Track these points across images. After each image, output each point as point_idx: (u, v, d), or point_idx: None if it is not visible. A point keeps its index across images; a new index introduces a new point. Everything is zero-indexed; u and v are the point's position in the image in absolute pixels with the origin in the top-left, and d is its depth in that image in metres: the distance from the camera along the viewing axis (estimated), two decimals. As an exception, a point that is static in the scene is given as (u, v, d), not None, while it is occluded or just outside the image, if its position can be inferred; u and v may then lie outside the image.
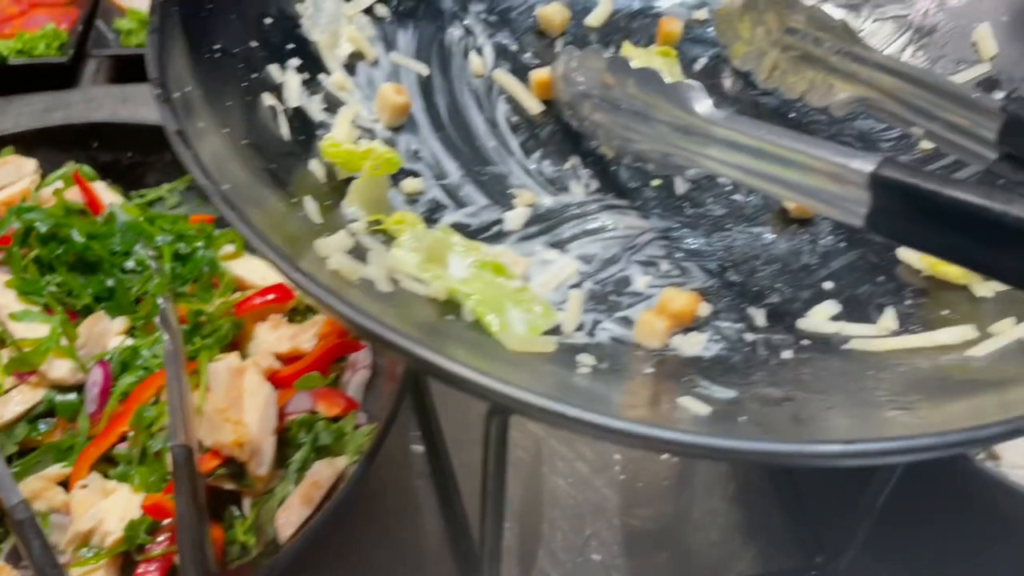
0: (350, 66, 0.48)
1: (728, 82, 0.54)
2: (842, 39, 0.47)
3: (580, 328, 0.40)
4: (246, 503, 0.55)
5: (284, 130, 0.42)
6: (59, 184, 0.71)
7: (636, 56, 0.53)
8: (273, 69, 0.44)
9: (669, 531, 0.63)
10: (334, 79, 0.46)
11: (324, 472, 0.53)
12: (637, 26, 0.56)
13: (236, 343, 0.62)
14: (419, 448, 0.64)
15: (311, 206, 0.38)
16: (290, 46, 0.46)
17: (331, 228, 0.38)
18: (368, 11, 0.51)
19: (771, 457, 0.27)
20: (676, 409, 0.34)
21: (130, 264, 0.66)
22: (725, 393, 0.36)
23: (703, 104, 0.41)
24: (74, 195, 0.70)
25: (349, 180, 0.42)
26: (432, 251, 0.39)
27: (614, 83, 0.45)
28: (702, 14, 0.56)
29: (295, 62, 0.45)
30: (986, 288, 0.41)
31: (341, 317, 0.28)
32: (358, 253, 0.38)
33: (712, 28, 0.55)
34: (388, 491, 0.60)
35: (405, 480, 0.62)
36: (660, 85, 0.42)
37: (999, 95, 0.49)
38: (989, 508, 0.53)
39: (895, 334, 0.40)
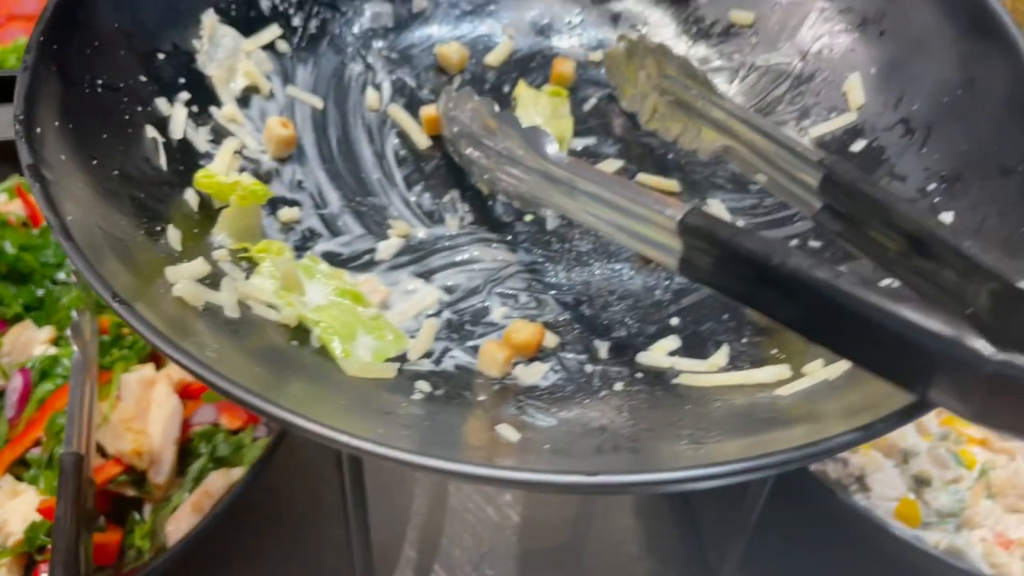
0: (244, 99, 0.51)
1: (617, 122, 0.56)
2: (705, 88, 0.49)
3: (429, 355, 0.42)
4: (147, 509, 0.58)
5: (162, 161, 0.44)
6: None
7: (529, 95, 0.56)
8: (161, 102, 0.47)
9: (564, 550, 0.65)
10: (224, 111, 0.49)
11: (217, 482, 0.56)
12: (534, 65, 0.59)
13: (156, 356, 0.65)
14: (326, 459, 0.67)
15: (173, 235, 0.41)
16: (182, 80, 0.48)
17: (192, 256, 0.41)
18: (269, 46, 0.53)
19: (523, 485, 0.29)
20: (489, 436, 0.36)
21: (61, 276, 0.69)
22: (546, 421, 0.39)
23: (551, 148, 0.43)
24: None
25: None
26: (288, 279, 0.41)
27: (484, 123, 0.47)
28: (597, 56, 0.59)
29: (185, 96, 0.48)
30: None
31: (150, 343, 0.31)
32: (215, 280, 0.40)
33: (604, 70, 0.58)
34: (285, 501, 0.62)
35: (306, 491, 0.64)
36: (518, 128, 0.45)
37: (861, 143, 0.51)
38: (855, 538, 0.55)
39: (722, 371, 0.42)
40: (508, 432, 0.36)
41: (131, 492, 0.57)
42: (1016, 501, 0.56)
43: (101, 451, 0.58)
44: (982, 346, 0.28)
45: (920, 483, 0.57)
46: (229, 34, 0.51)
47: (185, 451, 0.59)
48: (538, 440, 0.36)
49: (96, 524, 0.56)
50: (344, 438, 0.29)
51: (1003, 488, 0.56)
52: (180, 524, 0.53)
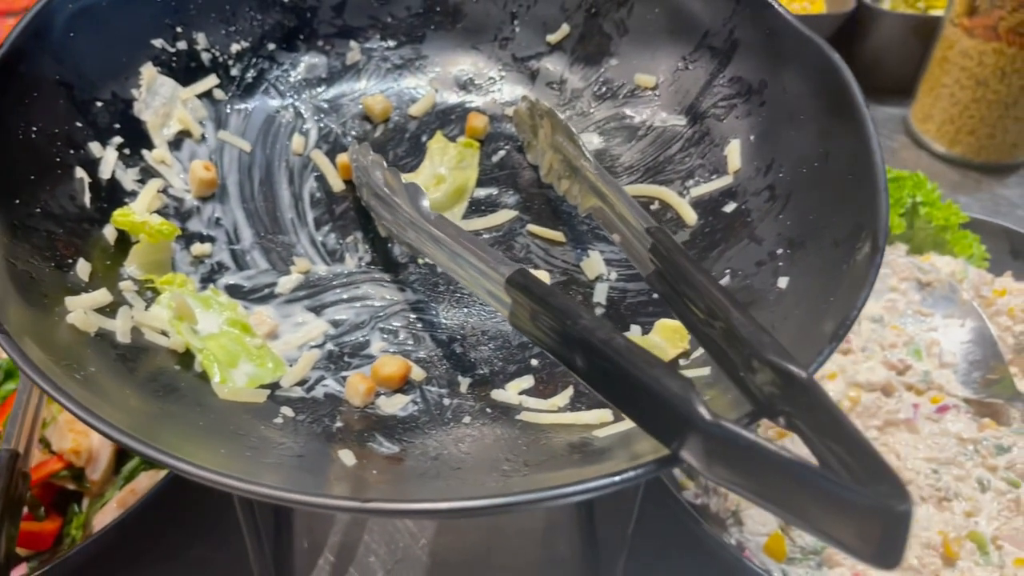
0: (177, 143, 0.57)
1: (521, 174, 0.62)
2: (579, 152, 0.54)
3: (302, 383, 0.48)
4: (85, 502, 0.64)
5: (87, 199, 0.51)
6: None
7: (439, 145, 0.61)
8: (94, 146, 0.53)
9: (475, 562, 0.70)
10: (155, 154, 0.55)
11: (144, 481, 0.62)
12: (453, 118, 0.64)
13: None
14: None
15: (83, 267, 0.47)
16: (117, 125, 0.55)
17: (99, 287, 0.47)
18: (206, 94, 0.60)
19: (320, 507, 0.34)
20: (329, 459, 0.42)
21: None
22: (389, 449, 0.44)
23: (423, 204, 0.49)
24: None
25: (140, 243, 0.51)
26: (181, 309, 0.47)
27: (376, 175, 0.53)
28: (512, 111, 0.64)
29: (118, 140, 0.54)
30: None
31: (24, 373, 0.37)
32: (115, 308, 0.46)
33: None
34: (208, 502, 0.68)
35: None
36: (400, 183, 0.50)
37: (732, 205, 0.56)
38: (723, 569, 0.59)
39: (560, 410, 0.47)
40: (346, 456, 0.42)
41: (71, 486, 0.64)
42: (876, 543, 0.60)
43: (48, 447, 0.64)
44: (702, 410, 0.33)
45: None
46: (167, 83, 0.58)
47: (124, 452, 0.66)
48: (371, 466, 0.42)
49: (37, 513, 0.62)
50: (163, 457, 0.34)
51: (864, 531, 0.60)
52: (105, 518, 0.59)
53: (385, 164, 0.52)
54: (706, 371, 0.45)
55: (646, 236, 0.46)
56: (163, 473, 0.63)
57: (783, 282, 0.49)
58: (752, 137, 0.57)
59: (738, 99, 0.59)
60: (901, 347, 0.76)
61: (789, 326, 0.45)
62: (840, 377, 0.72)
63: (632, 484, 0.36)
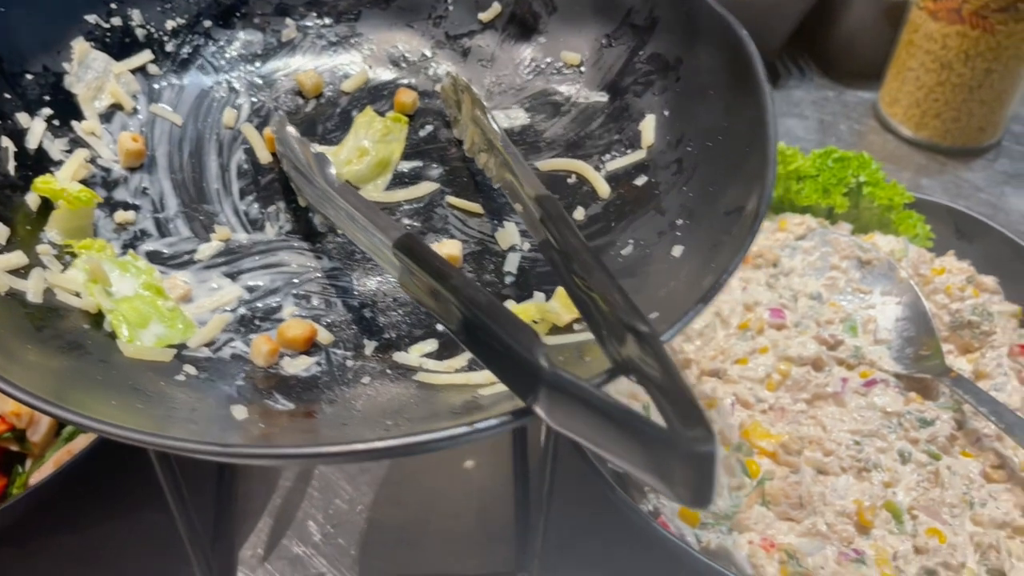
0: (108, 115, 0.59)
1: (446, 149, 0.63)
2: (489, 127, 0.56)
3: (210, 345, 0.50)
4: (29, 463, 0.67)
5: (11, 167, 0.53)
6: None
7: (366, 119, 0.63)
8: (22, 116, 0.55)
9: (411, 527, 0.72)
10: (84, 125, 0.58)
11: (80, 443, 0.64)
12: (385, 93, 0.66)
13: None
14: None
15: (1, 231, 0.49)
16: (47, 97, 0.57)
17: (16, 249, 0.49)
18: (140, 68, 0.62)
19: (199, 451, 0.36)
20: (220, 414, 0.44)
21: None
22: (284, 406, 0.46)
23: (329, 172, 0.51)
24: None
25: (64, 210, 0.53)
26: (95, 272, 0.49)
27: (295, 147, 0.55)
28: (439, 87, 0.66)
29: (47, 111, 0.56)
30: (559, 339, 0.50)
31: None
32: (29, 271, 0.48)
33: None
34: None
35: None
36: (306, 152, 0.52)
37: (643, 179, 0.58)
38: (636, 533, 0.61)
39: (457, 372, 0.49)
40: (237, 411, 0.44)
41: (14, 448, 0.66)
42: (788, 510, 0.62)
43: (-5, 410, 0.67)
44: (543, 362, 0.35)
45: (704, 488, 0.63)
46: (100, 58, 0.60)
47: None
48: (259, 420, 0.44)
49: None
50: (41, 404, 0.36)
51: (776, 497, 0.62)
52: (40, 478, 0.62)
53: (299, 135, 0.54)
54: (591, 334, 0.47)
55: (538, 205, 0.47)
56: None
57: (677, 251, 0.51)
58: (666, 112, 0.59)
59: (656, 76, 0.60)
60: (838, 323, 0.77)
61: (672, 291, 0.46)
62: (771, 351, 0.73)
63: (486, 435, 0.37)
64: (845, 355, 0.74)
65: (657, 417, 0.33)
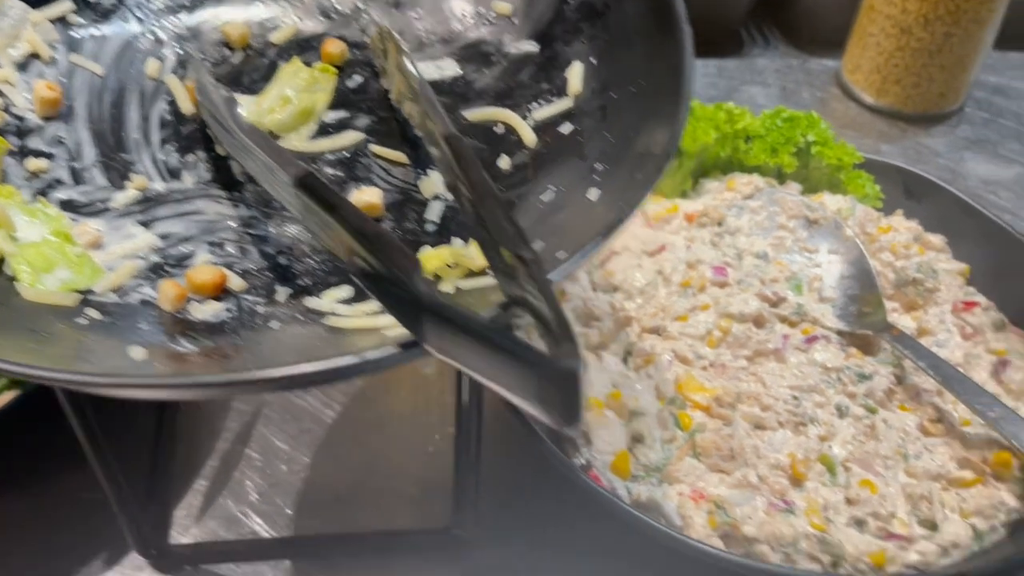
0: (24, 64, 0.58)
1: (375, 100, 0.62)
2: (409, 76, 0.55)
3: (118, 290, 0.49)
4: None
5: (-87, 115, 0.52)
6: None
7: (291, 69, 0.62)
8: (-71, 64, 0.54)
9: (348, 489, 0.72)
10: (-2, 73, 0.56)
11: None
12: (314, 44, 0.65)
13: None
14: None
15: (-100, 176, 0.48)
16: (-42, 45, 0.56)
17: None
18: (61, 18, 0.60)
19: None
20: (117, 355, 0.43)
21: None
22: (187, 349, 0.45)
23: (238, 113, 0.50)
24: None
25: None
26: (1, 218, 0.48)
27: (212, 94, 0.54)
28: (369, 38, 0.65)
29: (-42, 59, 0.55)
30: (472, 283, 0.49)
31: None
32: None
33: (373, 51, 0.64)
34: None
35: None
36: (218, 96, 0.51)
37: (569, 127, 0.57)
38: (573, 487, 0.60)
39: (367, 315, 0.48)
40: (135, 352, 0.43)
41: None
42: (719, 462, 0.61)
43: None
44: (421, 286, 0.34)
45: (636, 440, 0.63)
46: (17, 6, 0.58)
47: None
48: (156, 360, 0.43)
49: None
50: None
51: (708, 449, 0.61)
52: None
53: (214, 81, 0.53)
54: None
55: (447, 144, 0.47)
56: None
57: (594, 194, 0.50)
58: (593, 60, 0.58)
59: (584, 23, 0.60)
60: (783, 282, 0.76)
61: (582, 231, 0.46)
62: (713, 309, 0.73)
63: (375, 367, 0.37)
64: (787, 312, 0.74)
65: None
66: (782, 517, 0.59)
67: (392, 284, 0.36)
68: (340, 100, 0.62)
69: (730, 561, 0.55)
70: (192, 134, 0.59)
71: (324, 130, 0.60)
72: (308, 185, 0.42)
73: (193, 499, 0.70)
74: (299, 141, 0.59)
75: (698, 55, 0.51)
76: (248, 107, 0.59)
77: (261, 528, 0.67)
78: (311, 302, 0.50)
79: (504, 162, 0.57)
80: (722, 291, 0.74)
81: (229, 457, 0.73)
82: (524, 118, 0.59)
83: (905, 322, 0.76)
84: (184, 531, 0.67)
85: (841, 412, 0.67)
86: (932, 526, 0.59)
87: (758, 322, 0.73)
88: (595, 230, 0.43)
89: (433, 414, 0.76)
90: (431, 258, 0.49)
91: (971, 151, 1.13)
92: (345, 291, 0.50)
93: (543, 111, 0.59)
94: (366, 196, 0.54)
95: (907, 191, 0.86)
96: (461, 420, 0.59)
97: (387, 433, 0.75)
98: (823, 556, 0.57)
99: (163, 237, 0.53)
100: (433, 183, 0.57)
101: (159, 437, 0.72)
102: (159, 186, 0.56)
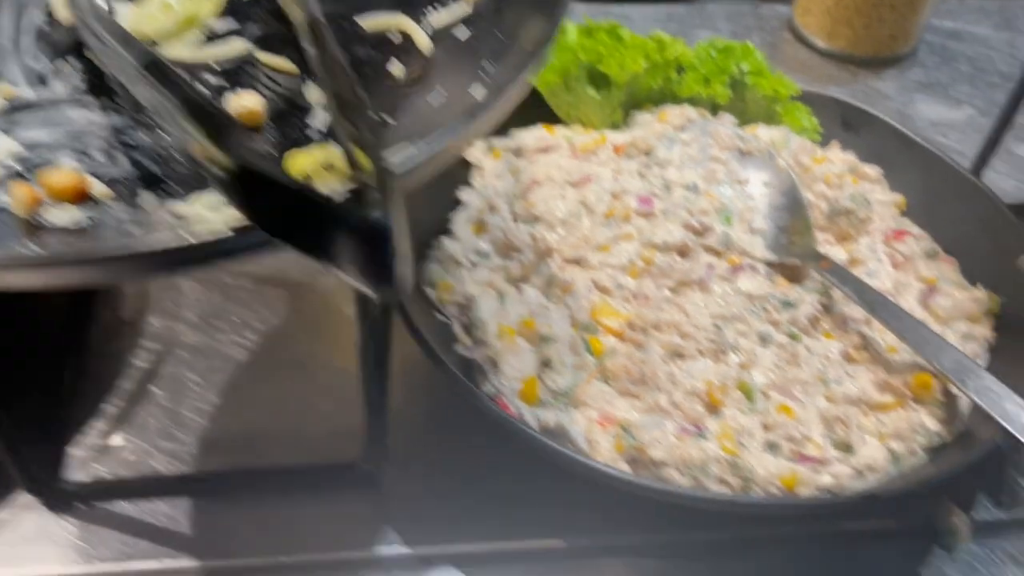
0: None
1: (270, 8, 0.59)
2: None
3: (-33, 197, 0.46)
4: None
5: None
6: None
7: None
8: None
9: (257, 427, 0.69)
10: None
11: None
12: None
13: None
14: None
15: None
16: None
17: None
18: (-71, -77, 0.57)
19: None
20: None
21: None
22: (32, 251, 0.42)
23: (110, 18, 0.47)
24: None
25: None
26: None
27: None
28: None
29: None
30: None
31: None
32: None
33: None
34: None
35: None
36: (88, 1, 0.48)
37: (466, 33, 0.54)
38: (482, 417, 0.58)
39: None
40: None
41: None
42: (630, 386, 0.59)
43: None
44: (238, 152, 0.31)
45: (545, 365, 0.60)
46: None
47: None
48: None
49: None
50: None
51: (617, 373, 0.59)
52: None
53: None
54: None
55: (310, 31, 0.44)
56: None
57: (478, 91, 0.47)
58: (492, -39, 0.55)
59: (485, -75, 0.57)
60: (713, 214, 0.74)
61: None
62: (636, 239, 0.70)
63: (199, 249, 0.34)
64: (713, 242, 0.71)
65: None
66: (692, 441, 0.56)
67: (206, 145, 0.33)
68: (231, 9, 0.59)
69: (633, 483, 0.52)
70: (66, 42, 0.55)
71: (210, 38, 0.57)
72: (155, 66, 0.39)
73: (93, 437, 0.67)
74: (183, 49, 0.56)
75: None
76: (127, 14, 0.56)
77: (164, 467, 0.65)
78: (178, 207, 0.46)
79: (397, 69, 0.54)
80: (647, 222, 0.72)
81: (135, 396, 0.70)
82: (420, 24, 0.56)
83: (837, 253, 0.74)
84: (80, 469, 0.64)
85: (764, 340, 0.64)
86: (847, 448, 0.57)
87: (683, 252, 0.70)
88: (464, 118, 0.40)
89: (354, 357, 0.74)
90: (302, 158, 0.46)
91: (922, 94, 1.11)
92: (213, 196, 0.47)
93: (439, 16, 0.55)
94: (244, 101, 0.51)
95: (844, 123, 0.83)
96: (364, 348, 0.57)
97: (303, 374, 0.73)
98: (733, 480, 0.55)
99: (28, 146, 0.50)
100: (318, 90, 0.54)
101: (61, 374, 0.69)
102: (27, 93, 0.52)
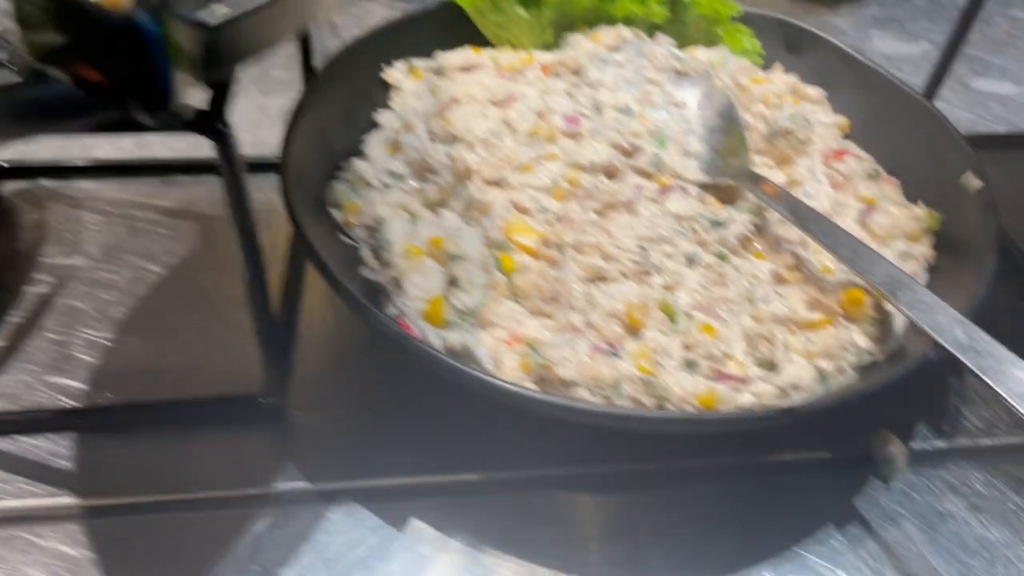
0: None
1: None
2: None
3: None
4: None
5: None
6: None
7: None
8: None
9: (154, 359, 0.64)
10: None
11: None
12: None
13: None
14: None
15: None
16: None
17: None
18: None
19: None
20: None
21: None
22: None
23: None
24: None
25: None
26: None
27: None
28: None
29: None
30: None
31: None
32: None
33: None
34: None
35: None
36: None
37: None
38: (386, 341, 0.53)
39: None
40: None
41: None
42: (541, 304, 0.55)
43: None
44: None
45: (452, 284, 0.56)
46: None
47: None
48: None
49: None
50: None
51: (528, 290, 0.55)
52: None
53: None
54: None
55: None
56: None
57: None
58: None
59: None
60: (647, 137, 0.70)
61: None
62: (561, 159, 0.66)
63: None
64: (644, 163, 0.67)
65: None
66: (605, 360, 0.52)
67: None
68: None
69: (535, 399, 0.48)
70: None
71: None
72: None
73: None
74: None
75: None
76: None
77: (47, 402, 0.60)
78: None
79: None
80: (573, 142, 0.67)
81: (23, 329, 0.65)
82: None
83: (776, 176, 0.70)
84: (-43, 402, 0.60)
85: (690, 261, 0.60)
86: (771, 367, 0.53)
87: (610, 173, 0.66)
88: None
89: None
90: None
91: (878, 29, 1.07)
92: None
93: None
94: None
95: (788, 45, 0.79)
96: (246, 265, 0.52)
97: (207, 307, 0.68)
98: (647, 399, 0.51)
99: None
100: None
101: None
102: None
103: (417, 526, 0.55)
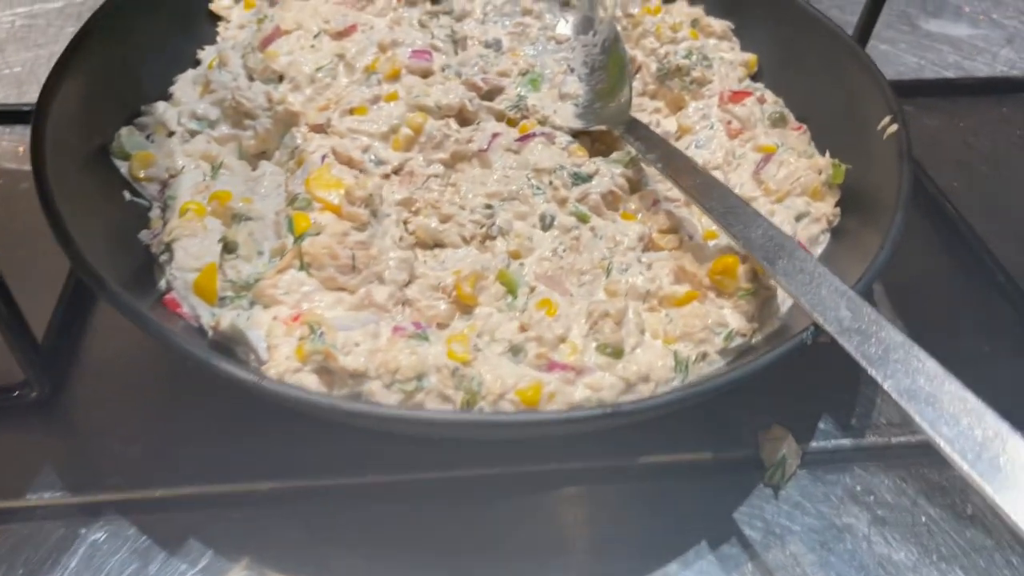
0: None
1: None
2: None
3: None
4: None
5: None
6: None
7: None
8: None
9: None
10: None
11: None
12: None
13: None
14: None
15: None
16: None
17: None
18: None
19: None
20: None
21: None
22: None
23: None
24: None
25: None
26: None
27: None
28: None
29: None
30: None
31: None
32: None
33: None
34: None
35: None
36: None
37: None
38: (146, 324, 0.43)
39: None
40: None
41: None
42: (336, 275, 0.44)
43: None
44: None
45: (229, 251, 0.45)
46: None
47: None
48: None
49: None
50: None
51: (319, 258, 0.44)
52: None
53: None
54: None
55: None
56: None
57: None
58: None
59: None
60: (517, 76, 0.59)
61: None
62: (403, 99, 0.55)
63: None
64: (505, 106, 0.56)
65: None
66: (409, 343, 0.41)
67: None
68: None
69: (279, 394, 0.37)
70: None
71: None
72: None
73: None
74: None
75: None
76: None
77: None
78: None
79: None
80: (421, 80, 0.56)
81: None
82: None
83: (668, 125, 0.59)
84: None
85: (544, 223, 0.50)
86: (615, 353, 0.42)
87: (462, 118, 0.55)
88: None
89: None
90: None
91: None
92: None
93: None
94: None
95: (694, -27, 0.68)
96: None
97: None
98: (455, 394, 0.40)
99: None
100: None
101: None
102: None
103: (194, 546, 0.45)
